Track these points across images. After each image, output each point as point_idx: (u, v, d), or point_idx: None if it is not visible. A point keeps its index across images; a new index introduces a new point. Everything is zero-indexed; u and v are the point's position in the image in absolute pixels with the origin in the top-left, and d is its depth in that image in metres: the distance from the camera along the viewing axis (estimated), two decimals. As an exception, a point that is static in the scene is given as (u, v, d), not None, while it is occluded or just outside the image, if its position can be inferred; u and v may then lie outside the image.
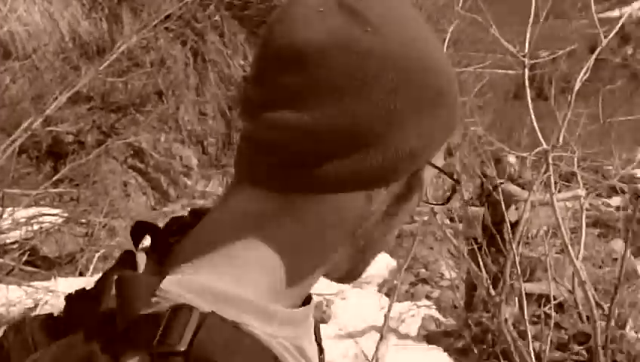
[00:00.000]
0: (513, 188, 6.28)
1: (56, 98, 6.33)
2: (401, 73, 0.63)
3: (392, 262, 8.10)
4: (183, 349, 0.56)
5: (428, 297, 7.56)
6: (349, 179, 0.63)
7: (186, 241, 0.67)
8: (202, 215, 0.69)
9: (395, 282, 6.60)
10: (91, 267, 6.75)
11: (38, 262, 6.61)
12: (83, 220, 7.40)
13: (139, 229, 0.70)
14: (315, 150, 0.63)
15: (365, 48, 0.62)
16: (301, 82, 0.62)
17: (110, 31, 8.78)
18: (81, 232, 7.25)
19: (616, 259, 7.61)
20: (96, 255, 6.92)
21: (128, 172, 9.03)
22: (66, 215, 7.20)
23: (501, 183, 5.86)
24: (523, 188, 6.28)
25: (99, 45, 8.58)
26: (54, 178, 7.04)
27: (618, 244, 9.07)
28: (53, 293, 5.77)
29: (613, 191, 11.99)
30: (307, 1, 0.65)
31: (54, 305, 5.67)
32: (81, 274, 6.69)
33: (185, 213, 0.74)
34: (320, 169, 0.63)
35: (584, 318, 5.17)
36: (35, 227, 6.78)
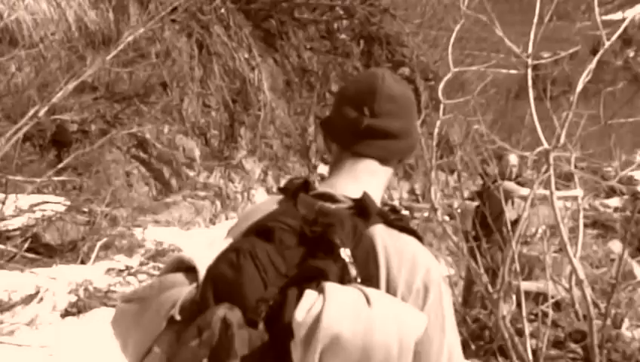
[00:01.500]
0: (511, 185, 6.33)
1: (62, 87, 6.36)
2: (415, 106, 1.49)
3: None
4: (400, 217, 1.34)
5: (426, 293, 7.58)
6: (404, 151, 1.46)
7: (335, 180, 1.41)
8: (306, 183, 1.38)
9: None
10: (93, 255, 6.78)
11: (40, 250, 6.63)
12: (85, 209, 7.43)
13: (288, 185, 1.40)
14: (398, 136, 1.42)
15: (410, 96, 1.48)
16: (396, 108, 1.41)
17: (116, 21, 8.79)
18: (83, 221, 7.27)
19: (613, 260, 7.65)
20: (98, 243, 6.95)
21: (131, 162, 9.05)
22: (68, 203, 7.23)
23: (500, 181, 5.90)
24: (522, 187, 6.33)
25: (105, 35, 8.59)
26: (58, 166, 7.07)
27: (616, 245, 9.12)
28: (54, 280, 5.81)
29: (612, 192, 12.04)
30: (385, 74, 1.43)
31: (56, 292, 5.71)
32: (82, 262, 6.72)
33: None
34: (399, 145, 1.43)
35: (581, 317, 5.21)
36: (38, 214, 6.80)
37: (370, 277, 1.21)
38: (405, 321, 1.11)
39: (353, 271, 1.18)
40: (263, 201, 1.45)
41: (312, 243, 1.21)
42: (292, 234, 1.23)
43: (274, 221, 1.25)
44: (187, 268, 1.21)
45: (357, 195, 1.33)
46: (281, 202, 1.36)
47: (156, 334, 1.16)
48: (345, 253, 1.19)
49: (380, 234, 1.27)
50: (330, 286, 1.10)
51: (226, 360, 1.09)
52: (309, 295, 1.10)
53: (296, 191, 1.34)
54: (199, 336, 1.11)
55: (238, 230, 1.33)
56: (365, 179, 1.39)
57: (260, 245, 1.20)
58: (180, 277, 1.20)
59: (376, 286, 1.20)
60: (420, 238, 1.34)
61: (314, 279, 1.14)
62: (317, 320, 1.05)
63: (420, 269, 1.26)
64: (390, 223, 1.30)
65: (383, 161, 1.42)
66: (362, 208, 1.29)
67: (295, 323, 1.07)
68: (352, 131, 1.39)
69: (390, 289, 1.22)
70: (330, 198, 1.33)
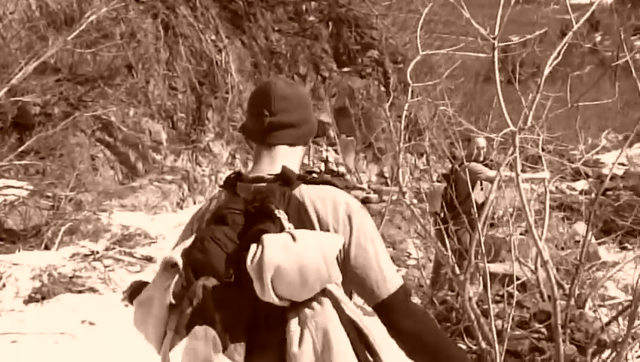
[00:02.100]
0: (478, 166, 6.37)
1: (22, 68, 6.21)
2: (308, 99, 1.95)
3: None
4: (315, 176, 1.79)
5: (394, 276, 7.61)
6: (306, 135, 1.91)
7: (259, 166, 1.80)
8: (238, 174, 1.81)
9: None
10: (57, 240, 6.67)
11: (3, 235, 6.53)
12: (49, 193, 7.30)
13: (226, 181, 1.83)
14: (297, 125, 1.86)
15: (301, 92, 1.94)
16: (290, 105, 1.84)
17: (79, 0, 8.59)
18: (47, 205, 7.15)
19: (578, 242, 7.76)
20: (62, 229, 6.84)
21: (96, 145, 8.91)
22: (31, 188, 7.10)
23: (467, 162, 5.93)
24: (490, 169, 6.37)
25: (67, 15, 8.38)
26: (19, 150, 6.93)
27: (581, 227, 9.24)
28: (17, 266, 5.72)
29: (578, 175, 12.21)
30: (277, 81, 1.87)
31: (19, 278, 5.61)
32: (46, 248, 6.61)
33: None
34: (299, 131, 1.87)
35: (545, 297, 5.28)
36: (0, 199, 6.68)
37: (304, 224, 1.66)
38: (324, 243, 1.56)
39: (287, 224, 1.59)
40: (207, 203, 1.89)
41: (255, 215, 1.64)
42: (240, 215, 1.67)
43: (224, 209, 1.70)
44: (172, 265, 1.61)
45: (278, 172, 1.75)
46: (224, 194, 1.81)
47: (165, 319, 1.59)
48: (280, 213, 1.61)
49: (304, 191, 1.72)
50: (265, 237, 1.53)
51: (214, 314, 1.52)
52: (252, 247, 1.53)
53: (233, 182, 1.80)
54: (191, 305, 1.54)
55: (193, 227, 1.81)
56: (280, 160, 1.82)
57: (218, 229, 1.64)
58: (167, 273, 1.61)
59: (312, 228, 1.66)
60: (335, 185, 1.78)
61: (259, 238, 1.54)
62: (260, 260, 1.49)
63: (341, 205, 1.71)
64: (309, 182, 1.75)
65: (291, 145, 1.86)
66: (285, 178, 1.73)
67: (248, 268, 1.51)
68: (260, 129, 1.84)
69: (323, 227, 1.67)
70: (260, 179, 1.77)
